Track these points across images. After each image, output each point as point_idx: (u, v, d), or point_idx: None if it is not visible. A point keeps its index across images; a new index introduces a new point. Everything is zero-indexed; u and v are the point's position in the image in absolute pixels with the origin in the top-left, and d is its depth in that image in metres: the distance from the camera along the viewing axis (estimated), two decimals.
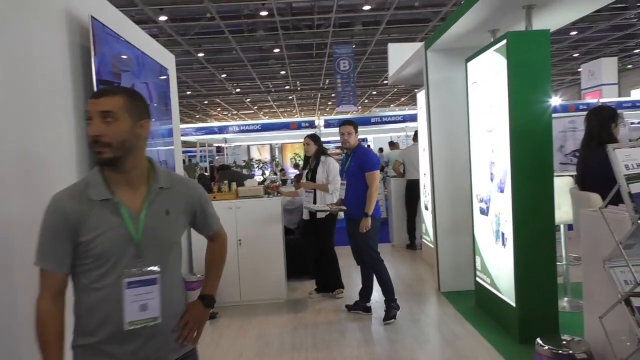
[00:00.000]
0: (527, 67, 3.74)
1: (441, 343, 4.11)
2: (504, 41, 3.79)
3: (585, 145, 3.69)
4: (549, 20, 4.29)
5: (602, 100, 13.33)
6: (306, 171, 5.50)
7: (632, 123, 12.19)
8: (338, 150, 10.90)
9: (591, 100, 15.42)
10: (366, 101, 29.60)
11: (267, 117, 34.17)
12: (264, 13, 12.05)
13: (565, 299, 4.55)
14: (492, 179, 4.20)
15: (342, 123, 4.80)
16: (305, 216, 5.48)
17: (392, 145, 11.80)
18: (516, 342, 3.85)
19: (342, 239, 5.31)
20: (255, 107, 30.79)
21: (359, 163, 4.63)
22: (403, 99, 28.81)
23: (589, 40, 17.49)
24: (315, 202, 5.27)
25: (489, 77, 4.17)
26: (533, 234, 3.76)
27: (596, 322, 2.51)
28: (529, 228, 3.76)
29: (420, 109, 6.68)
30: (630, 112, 12.46)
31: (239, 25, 13.53)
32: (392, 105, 30.98)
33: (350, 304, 4.95)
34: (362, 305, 4.85)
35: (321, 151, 5.41)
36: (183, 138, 11.02)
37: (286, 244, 5.51)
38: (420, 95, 6.58)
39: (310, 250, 5.52)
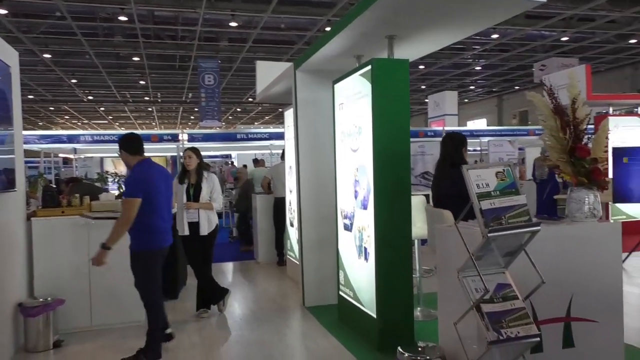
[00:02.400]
0: (390, 92, 4.02)
1: (306, 356, 4.16)
2: (369, 67, 4.03)
3: (440, 166, 4.06)
4: (408, 51, 4.68)
5: (446, 128, 14.87)
6: (185, 186, 5.05)
7: (468, 150, 13.78)
8: None
9: (437, 127, 17.11)
10: (230, 117, 29.42)
11: (123, 128, 32.11)
12: (123, 18, 11.40)
13: (419, 308, 4.90)
14: (356, 197, 4.40)
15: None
16: (184, 232, 5.03)
17: (257, 162, 11.82)
18: (376, 351, 4.04)
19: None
20: (110, 117, 28.82)
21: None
22: (267, 117, 29.18)
23: (434, 75, 19.56)
24: (199, 221, 4.98)
25: (354, 99, 4.40)
26: (393, 248, 4.01)
27: (450, 329, 2.74)
28: (389, 243, 3.99)
29: (288, 127, 6.80)
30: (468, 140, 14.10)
31: (93, 28, 12.62)
32: (256, 123, 31.20)
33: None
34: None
35: (203, 167, 5.17)
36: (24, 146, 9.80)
37: None
38: (288, 114, 6.70)
39: (197, 267, 5.14)
